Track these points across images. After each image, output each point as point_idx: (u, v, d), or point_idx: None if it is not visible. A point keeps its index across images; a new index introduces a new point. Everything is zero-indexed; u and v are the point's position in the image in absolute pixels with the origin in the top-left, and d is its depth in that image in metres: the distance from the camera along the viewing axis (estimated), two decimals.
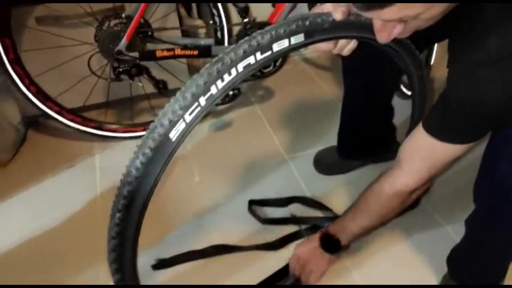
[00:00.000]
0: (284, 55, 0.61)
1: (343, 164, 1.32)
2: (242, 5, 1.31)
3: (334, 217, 1.18)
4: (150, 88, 1.43)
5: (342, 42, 0.69)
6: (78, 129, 1.40)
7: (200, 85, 0.57)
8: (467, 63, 0.64)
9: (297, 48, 0.61)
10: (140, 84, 1.37)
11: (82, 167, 1.39)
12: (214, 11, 1.31)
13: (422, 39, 0.72)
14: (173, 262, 1.09)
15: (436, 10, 0.53)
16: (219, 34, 1.35)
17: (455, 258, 0.97)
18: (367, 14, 0.56)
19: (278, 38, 0.59)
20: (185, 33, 1.54)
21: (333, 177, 1.32)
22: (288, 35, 0.60)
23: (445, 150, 0.74)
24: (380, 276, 1.04)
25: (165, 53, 1.28)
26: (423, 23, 0.57)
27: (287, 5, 1.31)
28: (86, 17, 1.30)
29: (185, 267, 1.08)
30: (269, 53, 0.59)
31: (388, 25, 0.59)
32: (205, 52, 1.33)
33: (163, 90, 1.38)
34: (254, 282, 1.02)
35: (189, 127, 0.58)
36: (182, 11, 1.56)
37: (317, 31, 0.62)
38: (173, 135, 0.58)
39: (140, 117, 1.56)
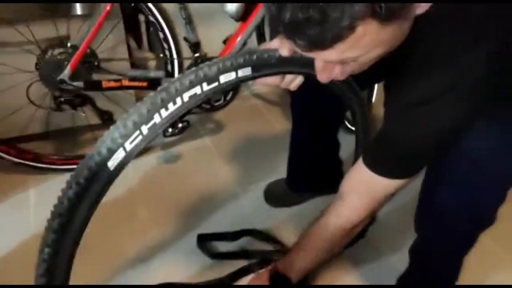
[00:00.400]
0: (231, 87, 0.61)
1: (292, 196, 1.33)
2: (193, 40, 1.32)
3: (284, 251, 1.17)
4: (93, 119, 1.38)
5: (288, 77, 0.71)
6: (12, 161, 1.30)
7: (143, 114, 0.56)
8: (400, 104, 0.68)
9: (244, 81, 0.62)
10: (84, 114, 1.31)
11: (15, 202, 1.29)
12: (165, 45, 1.31)
13: (364, 78, 0.75)
14: None
15: (375, 53, 0.55)
16: (169, 67, 1.35)
17: (403, 285, 0.99)
18: (309, 55, 0.56)
19: (225, 70, 0.60)
20: (134, 65, 1.52)
21: (283, 209, 1.32)
22: (236, 68, 0.60)
23: (383, 184, 0.76)
24: None
25: (112, 84, 1.25)
26: (360, 67, 0.60)
27: (238, 41, 1.34)
28: (27, 44, 1.24)
29: None
30: (215, 84, 0.59)
31: (328, 66, 0.61)
32: (155, 84, 1.31)
33: (108, 121, 1.33)
34: None
35: (130, 156, 0.56)
36: (132, 43, 1.55)
37: (263, 66, 0.63)
38: (112, 164, 0.55)
39: (83, 148, 1.49)
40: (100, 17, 1.16)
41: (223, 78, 0.60)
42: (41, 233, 1.20)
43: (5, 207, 1.27)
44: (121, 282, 1.06)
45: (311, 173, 1.28)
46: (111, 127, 0.56)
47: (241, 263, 1.13)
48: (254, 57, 0.62)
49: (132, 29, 1.49)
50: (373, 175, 0.75)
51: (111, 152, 0.55)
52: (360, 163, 0.79)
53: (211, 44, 1.43)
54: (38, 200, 1.30)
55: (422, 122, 0.66)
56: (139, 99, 1.54)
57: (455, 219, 0.78)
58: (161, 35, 1.30)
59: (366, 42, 0.52)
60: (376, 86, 1.59)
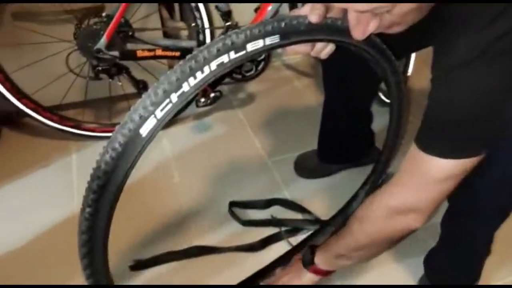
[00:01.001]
0: (259, 55, 0.61)
1: (323, 167, 1.33)
2: (224, 9, 1.31)
3: (314, 220, 1.19)
4: (129, 88, 1.42)
5: (319, 45, 0.69)
6: (55, 128, 1.37)
7: (172, 82, 0.57)
8: (441, 69, 0.64)
9: (272, 49, 0.61)
10: (120, 84, 1.35)
11: (58, 166, 1.37)
12: (197, 14, 1.31)
13: (399, 45, 0.72)
14: (152, 263, 1.08)
15: (407, 6, 0.54)
16: (201, 36, 1.35)
17: (432, 260, 0.99)
18: (341, 6, 0.56)
19: (253, 38, 0.59)
20: (167, 35, 1.53)
21: (313, 180, 1.33)
22: (263, 36, 0.59)
23: (433, 165, 0.67)
24: (358, 279, 1.04)
25: (146, 53, 1.27)
26: (398, 20, 0.57)
27: (269, 10, 1.32)
28: (65, 14, 1.27)
29: (164, 268, 1.07)
30: (243, 52, 0.58)
31: (362, 19, 0.59)
32: (187, 54, 1.31)
33: (143, 90, 1.36)
34: (234, 283, 1.01)
35: (160, 123, 0.57)
36: (164, 12, 1.56)
37: (292, 33, 0.61)
38: (144, 131, 0.57)
39: (118, 117, 1.54)
40: None
41: (250, 46, 0.59)
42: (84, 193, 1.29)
43: (50, 171, 1.35)
44: (156, 246, 1.11)
45: (343, 144, 1.27)
46: (143, 95, 0.58)
47: (271, 231, 1.16)
48: (283, 24, 0.61)
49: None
50: (420, 153, 0.68)
51: (143, 119, 0.57)
52: (413, 144, 0.71)
53: (243, 13, 1.41)
54: (80, 165, 1.37)
55: (464, 86, 0.61)
56: (171, 68, 1.58)
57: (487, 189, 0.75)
58: (193, 4, 1.29)
59: None
60: (413, 57, 1.52)
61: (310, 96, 1.69)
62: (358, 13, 0.59)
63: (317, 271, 0.93)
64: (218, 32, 1.35)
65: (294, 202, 1.25)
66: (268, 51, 0.62)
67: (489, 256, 0.94)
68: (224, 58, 0.58)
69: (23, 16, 1.28)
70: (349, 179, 1.31)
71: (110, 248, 0.68)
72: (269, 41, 0.60)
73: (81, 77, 1.32)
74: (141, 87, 1.36)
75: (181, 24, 1.61)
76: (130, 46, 1.31)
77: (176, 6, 1.62)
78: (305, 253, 0.96)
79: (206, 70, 0.57)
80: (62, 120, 1.38)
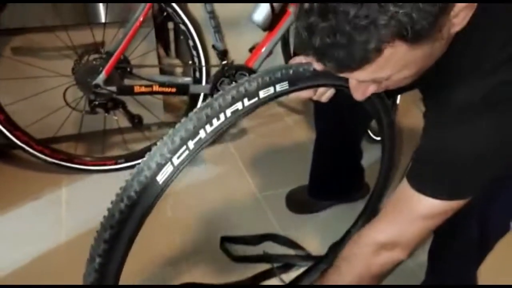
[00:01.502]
0: (269, 102, 0.65)
1: (314, 203, 1.36)
2: (221, 48, 1.36)
3: (306, 256, 1.20)
4: (124, 122, 1.43)
5: (321, 89, 0.74)
6: (46, 161, 1.36)
7: (189, 129, 0.59)
8: (436, 114, 0.67)
9: (281, 95, 0.65)
10: (116, 118, 1.36)
11: (48, 200, 1.35)
12: (194, 52, 1.36)
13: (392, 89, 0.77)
14: None
15: (407, 72, 0.57)
16: (197, 73, 1.39)
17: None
18: (340, 74, 0.59)
19: (264, 85, 0.63)
20: (162, 72, 1.57)
21: (305, 216, 1.35)
22: (274, 83, 0.63)
23: (423, 204, 0.70)
24: None
25: (143, 89, 1.29)
26: (394, 83, 0.61)
27: (264, 51, 1.38)
28: (64, 50, 1.30)
29: None
30: (255, 99, 0.62)
31: (362, 85, 0.63)
32: (183, 90, 1.36)
33: (138, 124, 1.38)
34: None
35: (177, 170, 0.58)
36: (161, 50, 1.60)
37: (300, 80, 0.66)
38: (160, 178, 0.58)
39: (111, 150, 1.54)
40: (135, 25, 1.21)
41: (262, 93, 0.63)
42: (72, 228, 1.27)
43: (39, 204, 1.33)
44: (146, 281, 1.10)
45: (334, 180, 1.31)
46: (159, 143, 0.59)
47: (263, 267, 1.15)
48: (291, 71, 0.65)
49: (161, 37, 1.54)
50: (411, 191, 0.70)
51: (160, 166, 0.57)
52: (404, 181, 0.73)
53: (238, 52, 1.47)
54: (69, 198, 1.36)
55: (461, 132, 0.63)
56: (166, 104, 1.62)
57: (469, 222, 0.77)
58: (190, 43, 1.34)
59: (395, 62, 0.53)
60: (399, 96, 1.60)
61: (300, 132, 1.74)
62: (357, 81, 0.62)
63: None
64: (214, 70, 1.39)
65: (286, 238, 1.25)
66: (278, 97, 0.65)
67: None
68: (239, 105, 0.61)
69: (23, 51, 1.29)
70: (341, 215, 1.34)
71: None
72: (279, 87, 0.64)
73: (77, 111, 1.33)
74: (136, 121, 1.38)
75: (177, 62, 1.66)
76: (127, 81, 1.34)
77: (172, 44, 1.67)
78: None
79: (222, 117, 0.60)
80: (54, 153, 1.37)
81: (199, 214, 1.32)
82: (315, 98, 0.76)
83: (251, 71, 1.38)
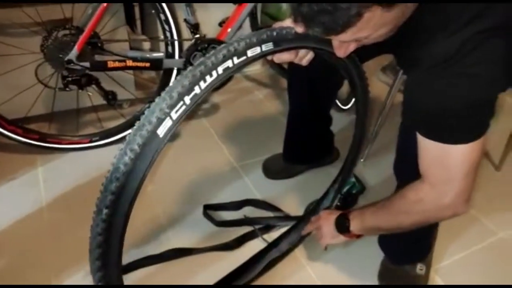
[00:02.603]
0: (256, 60, 0.70)
1: (289, 168, 1.44)
2: (193, 22, 1.38)
3: (285, 217, 1.28)
4: (97, 100, 1.42)
5: (301, 52, 0.80)
6: (19, 141, 1.34)
7: (185, 85, 0.63)
8: (423, 69, 0.72)
9: (267, 55, 0.70)
10: (90, 94, 1.36)
11: (25, 179, 1.34)
12: (166, 27, 1.37)
13: (366, 52, 0.81)
14: (132, 268, 1.09)
15: (383, 31, 0.65)
16: (169, 48, 1.41)
17: (384, 238, 1.11)
18: (326, 37, 0.65)
19: (252, 45, 0.68)
20: (131, 48, 1.57)
21: (281, 181, 1.43)
22: (260, 43, 0.69)
23: (454, 151, 0.73)
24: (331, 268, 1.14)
25: (117, 64, 1.30)
26: (373, 40, 0.68)
27: (235, 24, 1.42)
28: (33, 26, 1.27)
29: (143, 272, 1.09)
30: (244, 58, 0.67)
31: (344, 44, 0.70)
32: (157, 65, 1.37)
33: (112, 101, 1.38)
34: (213, 282, 1.06)
35: (175, 124, 0.62)
36: (126, 27, 1.59)
37: (283, 41, 0.71)
38: (161, 131, 0.61)
39: (85, 129, 1.53)
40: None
41: (250, 52, 0.68)
42: (53, 205, 1.27)
43: (16, 184, 1.32)
44: (134, 251, 1.13)
45: (307, 145, 1.39)
46: (157, 99, 0.63)
47: (245, 230, 1.22)
48: (275, 33, 0.71)
49: (127, 13, 1.54)
50: (440, 145, 0.74)
51: (160, 120, 0.61)
52: (421, 140, 0.77)
53: (208, 26, 1.49)
54: (46, 177, 1.35)
55: (453, 78, 0.68)
56: (137, 80, 1.62)
57: None
58: (162, 17, 1.35)
59: (373, 24, 0.60)
60: None
61: (270, 105, 1.81)
62: (340, 41, 0.69)
63: (351, 236, 1.00)
64: (186, 44, 1.41)
65: (265, 202, 1.33)
66: (264, 57, 0.71)
67: (438, 228, 1.07)
68: (229, 63, 0.66)
69: None
70: (314, 178, 1.43)
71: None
72: (265, 47, 0.70)
73: (50, 88, 1.31)
74: (110, 97, 1.38)
75: (143, 37, 1.66)
76: (98, 57, 1.33)
77: (138, 20, 1.66)
78: (339, 221, 1.01)
79: (214, 74, 0.65)
80: (27, 133, 1.35)
81: (180, 186, 1.36)
82: (296, 60, 0.82)
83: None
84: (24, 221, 1.20)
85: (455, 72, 0.68)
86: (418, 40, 0.72)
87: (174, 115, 0.63)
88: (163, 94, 0.63)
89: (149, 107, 0.63)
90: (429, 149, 0.76)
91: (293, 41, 0.73)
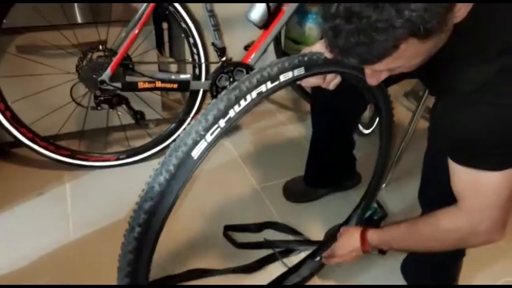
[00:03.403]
0: (288, 84, 0.72)
1: (309, 192, 1.44)
2: (220, 45, 1.43)
3: (305, 241, 1.28)
4: (126, 119, 1.47)
5: (329, 76, 0.82)
6: (50, 157, 1.38)
7: (220, 109, 0.65)
8: (456, 95, 0.72)
9: (298, 79, 0.73)
10: (120, 114, 1.41)
11: (52, 195, 1.37)
12: (194, 50, 1.41)
13: (392, 77, 0.81)
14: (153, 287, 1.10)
15: (417, 60, 0.66)
16: (197, 70, 1.45)
17: (408, 266, 1.09)
18: (362, 66, 0.66)
19: (284, 70, 0.70)
20: (159, 70, 1.62)
21: (301, 204, 1.43)
22: (292, 68, 0.71)
23: (488, 179, 0.73)
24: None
25: (147, 85, 1.34)
26: (406, 69, 0.69)
27: (260, 48, 1.46)
28: (69, 47, 1.33)
29: None
30: (277, 82, 0.69)
31: (377, 73, 0.72)
32: (184, 87, 1.41)
33: (141, 120, 1.42)
34: None
35: (210, 146, 0.65)
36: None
37: (314, 66, 0.74)
38: (195, 153, 0.64)
39: (112, 147, 1.58)
40: (140, 24, 1.26)
41: (283, 77, 0.70)
42: (78, 221, 1.28)
43: (44, 199, 1.35)
44: (155, 271, 1.11)
45: (328, 169, 1.39)
46: (194, 121, 0.65)
47: (265, 253, 1.22)
48: (306, 58, 0.73)
49: (157, 37, 1.60)
50: (471, 170, 0.74)
51: (195, 142, 0.64)
52: (453, 166, 0.77)
53: (234, 49, 1.54)
54: (73, 193, 1.39)
55: (487, 108, 0.68)
56: (164, 100, 1.67)
57: None
58: (191, 40, 1.40)
59: (408, 54, 0.62)
60: None
61: (292, 127, 1.83)
62: (373, 70, 0.71)
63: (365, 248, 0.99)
64: (213, 66, 1.45)
65: (285, 225, 1.33)
66: (296, 81, 0.73)
67: (465, 258, 1.04)
68: (263, 88, 0.68)
69: (28, 49, 1.32)
70: (335, 203, 1.43)
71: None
72: (296, 72, 0.72)
73: (82, 107, 1.36)
74: (139, 117, 1.42)
75: (171, 60, 1.72)
76: (128, 78, 1.38)
77: (166, 44, 1.72)
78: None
79: (248, 98, 0.67)
80: (58, 149, 1.40)
81: (202, 206, 1.38)
82: (324, 85, 0.84)
83: (249, 68, 1.45)
84: (50, 235, 1.22)
85: (490, 101, 0.69)
86: (451, 68, 0.73)
87: (209, 137, 0.65)
88: (199, 116, 0.66)
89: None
90: (462, 175, 0.76)
91: (323, 66, 0.75)
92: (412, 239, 0.89)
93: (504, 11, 0.69)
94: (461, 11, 0.60)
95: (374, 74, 0.72)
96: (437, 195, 0.85)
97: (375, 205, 1.29)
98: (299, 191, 1.45)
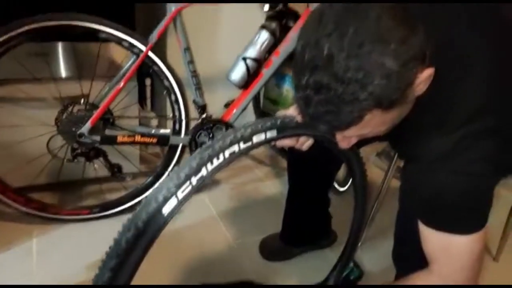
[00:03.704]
0: (260, 146, 0.74)
1: (286, 250, 1.43)
2: (201, 103, 1.47)
3: None
4: (102, 172, 1.46)
5: (302, 138, 0.85)
6: (20, 210, 1.34)
7: (192, 167, 0.66)
8: (422, 163, 0.75)
9: (270, 141, 0.75)
10: (96, 166, 1.40)
11: (19, 250, 1.31)
12: (175, 106, 1.45)
13: (364, 140, 0.85)
14: None
15: (383, 128, 0.70)
16: (177, 126, 1.48)
17: None
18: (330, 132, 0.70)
19: (257, 131, 0.73)
20: (139, 124, 1.65)
21: (277, 263, 1.40)
22: (265, 130, 0.74)
23: (458, 242, 0.76)
24: None
25: (126, 139, 1.35)
26: (374, 134, 0.72)
27: (239, 107, 1.51)
28: (50, 100, 1.35)
29: None
30: (249, 143, 0.72)
31: (347, 138, 0.76)
32: (163, 141, 1.43)
33: (118, 173, 1.42)
34: None
35: (180, 204, 0.65)
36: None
37: (286, 129, 0.77)
38: (166, 210, 0.63)
39: (87, 200, 1.55)
40: (124, 79, 1.30)
41: (255, 139, 0.73)
42: (42, 279, 1.22)
43: (9, 255, 1.29)
44: None
45: (305, 227, 1.39)
46: (165, 178, 0.66)
47: None
48: (278, 122, 0.77)
49: (140, 93, 1.64)
50: (444, 234, 0.76)
51: (166, 199, 0.63)
52: (424, 229, 0.80)
53: (214, 107, 1.58)
54: (40, 249, 1.33)
55: (450, 175, 0.72)
56: (142, 154, 1.67)
57: None
58: (173, 97, 1.44)
59: (374, 123, 0.66)
60: None
61: (269, 183, 1.84)
62: (343, 135, 0.74)
63: None
64: (193, 123, 1.48)
65: (261, 285, 1.29)
66: (268, 143, 0.76)
67: None
68: (235, 148, 0.70)
69: (7, 99, 1.33)
70: (311, 261, 1.41)
71: None
72: (269, 134, 0.75)
73: (58, 158, 1.35)
74: (116, 170, 1.41)
75: (152, 115, 1.75)
76: (107, 132, 1.39)
77: (148, 99, 1.77)
78: None
79: (221, 157, 0.69)
80: (28, 202, 1.36)
81: (175, 262, 1.34)
82: (297, 146, 0.87)
83: (228, 125, 1.49)
84: None
85: (452, 169, 0.73)
86: (415, 137, 0.78)
87: (180, 194, 0.65)
88: (171, 173, 0.66)
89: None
90: (432, 237, 0.78)
91: (295, 129, 0.78)
92: None
93: (462, 81, 0.74)
94: (421, 86, 0.65)
95: (345, 139, 0.76)
96: (410, 255, 0.86)
97: (351, 264, 1.29)
98: (275, 249, 1.43)
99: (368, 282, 1.33)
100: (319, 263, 1.35)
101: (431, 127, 0.75)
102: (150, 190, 1.49)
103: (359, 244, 1.48)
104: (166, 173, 1.51)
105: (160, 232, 0.65)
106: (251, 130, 0.73)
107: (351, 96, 0.60)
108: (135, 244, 0.62)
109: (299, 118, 0.78)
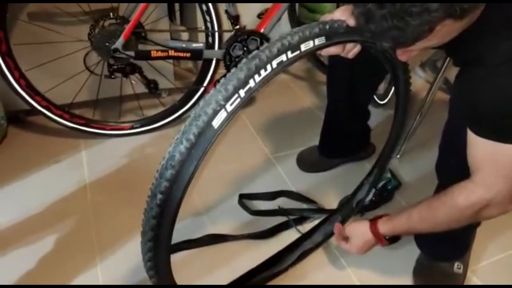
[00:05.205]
0: (309, 54, 0.70)
1: (323, 162, 1.44)
2: (233, 13, 1.39)
3: (319, 209, 1.29)
4: (139, 88, 1.47)
5: (349, 46, 0.80)
6: (65, 125, 1.40)
7: (240, 79, 0.64)
8: (484, 67, 0.70)
9: (319, 49, 0.71)
10: (134, 82, 1.40)
11: (69, 162, 1.40)
12: (207, 17, 1.38)
13: None
14: (173, 250, 1.13)
15: (449, 37, 0.64)
16: (210, 39, 1.42)
17: (421, 236, 1.09)
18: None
19: (305, 39, 0.68)
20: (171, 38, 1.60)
21: (315, 174, 1.43)
22: (313, 37, 0.69)
23: (507, 150, 0.72)
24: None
25: (160, 54, 1.33)
26: (437, 45, 0.67)
27: (274, 16, 1.42)
28: (81, 15, 1.31)
29: (180, 256, 1.12)
30: (297, 52, 0.68)
31: (407, 50, 0.71)
32: (197, 55, 1.40)
33: (154, 89, 1.42)
34: (247, 268, 1.08)
35: (230, 116, 0.64)
36: None
37: (335, 35, 0.72)
38: (216, 123, 0.64)
39: (127, 116, 1.58)
40: None
41: (303, 47, 0.68)
42: (96, 187, 1.30)
43: (61, 166, 1.38)
44: (174, 236, 1.17)
45: (343, 139, 1.39)
46: (213, 91, 0.64)
47: (279, 220, 1.24)
48: (327, 27, 0.71)
49: (169, 5, 1.56)
50: (492, 143, 0.73)
51: (215, 112, 0.63)
52: (473, 138, 0.77)
53: (247, 18, 1.50)
54: (90, 160, 1.41)
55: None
56: (176, 70, 1.65)
57: None
58: (204, 8, 1.36)
59: (442, 34, 0.60)
60: None
61: (305, 98, 1.81)
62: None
63: (381, 241, 0.99)
64: (226, 35, 1.43)
65: (299, 193, 1.34)
66: (316, 51, 0.71)
67: (479, 227, 1.04)
68: (283, 57, 0.67)
69: (39, 16, 1.30)
70: (348, 173, 1.43)
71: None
72: (317, 41, 0.70)
73: (96, 75, 1.36)
74: (152, 86, 1.41)
75: (183, 28, 1.69)
76: (141, 46, 1.37)
77: (178, 12, 1.69)
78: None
79: (269, 68, 0.66)
80: (73, 118, 1.41)
81: (216, 175, 1.39)
82: (343, 54, 0.82)
83: (263, 36, 1.42)
84: (68, 201, 1.26)
85: None
86: (479, 40, 0.71)
87: (229, 107, 0.64)
88: (218, 86, 0.65)
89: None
90: (482, 147, 0.76)
91: (345, 35, 0.73)
92: (428, 224, 0.88)
93: None
94: None
95: (405, 52, 0.72)
96: (454, 166, 0.85)
97: (388, 175, 1.30)
98: (313, 161, 1.45)
99: (406, 192, 1.35)
100: (356, 174, 1.36)
101: (498, 29, 0.69)
102: (188, 106, 1.50)
103: (398, 156, 1.49)
104: (202, 89, 1.50)
105: (211, 145, 0.65)
106: (299, 37, 0.68)
107: (420, 8, 0.54)
108: (189, 155, 0.64)
109: (351, 22, 0.72)
